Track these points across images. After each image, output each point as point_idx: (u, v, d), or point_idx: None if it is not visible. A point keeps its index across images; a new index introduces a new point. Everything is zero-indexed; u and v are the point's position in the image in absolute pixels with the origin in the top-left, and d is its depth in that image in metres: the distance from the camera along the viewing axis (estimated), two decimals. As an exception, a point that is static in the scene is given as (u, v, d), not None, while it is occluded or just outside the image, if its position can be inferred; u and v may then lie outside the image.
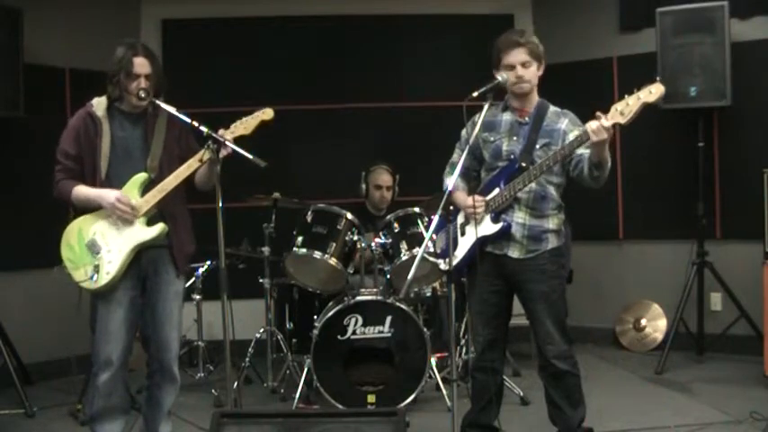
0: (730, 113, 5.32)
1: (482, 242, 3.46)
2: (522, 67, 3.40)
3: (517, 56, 3.40)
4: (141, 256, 3.41)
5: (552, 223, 3.48)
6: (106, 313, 3.38)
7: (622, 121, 3.12)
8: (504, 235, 3.43)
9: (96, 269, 3.33)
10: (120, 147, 3.41)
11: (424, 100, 6.11)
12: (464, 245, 3.53)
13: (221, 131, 3.34)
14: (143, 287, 3.47)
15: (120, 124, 3.42)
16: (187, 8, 6.08)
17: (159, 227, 3.38)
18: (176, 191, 3.42)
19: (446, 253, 3.45)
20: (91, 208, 3.41)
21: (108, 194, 3.34)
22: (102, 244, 3.36)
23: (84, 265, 3.35)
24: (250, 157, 3.34)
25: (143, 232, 3.37)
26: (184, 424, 4.27)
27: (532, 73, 3.44)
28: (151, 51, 3.44)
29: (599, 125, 3.13)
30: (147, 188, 3.39)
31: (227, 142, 3.27)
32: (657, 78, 3.13)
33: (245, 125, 3.41)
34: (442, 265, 3.55)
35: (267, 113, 3.42)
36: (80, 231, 3.40)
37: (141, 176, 3.40)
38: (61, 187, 3.42)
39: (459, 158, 3.37)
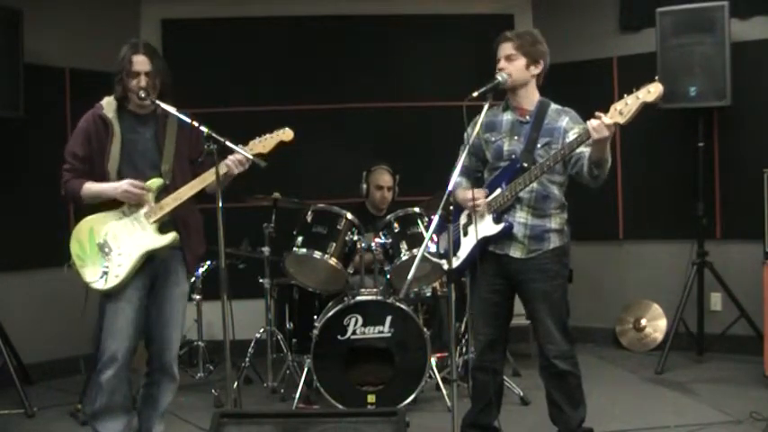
0: (730, 113, 5.31)
1: (485, 242, 3.46)
2: (504, 60, 3.42)
3: (503, 50, 3.45)
4: (155, 257, 3.42)
5: (554, 223, 3.47)
6: (115, 311, 3.38)
7: (621, 121, 3.12)
8: (507, 235, 3.43)
9: (106, 270, 3.33)
10: (130, 149, 3.40)
11: (424, 100, 6.11)
12: (467, 245, 3.53)
13: (240, 146, 3.34)
14: (151, 286, 3.47)
15: (130, 126, 3.42)
16: (187, 8, 6.07)
17: (171, 236, 3.38)
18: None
19: (448, 253, 3.44)
20: (99, 205, 3.40)
21: (119, 183, 3.34)
22: (114, 246, 3.36)
23: (94, 265, 3.35)
24: (250, 156, 3.36)
25: (155, 239, 3.37)
26: (184, 424, 4.27)
27: (516, 67, 3.42)
28: (153, 49, 3.43)
29: (600, 122, 3.12)
30: (160, 193, 3.40)
31: (227, 142, 3.26)
32: (656, 78, 3.12)
33: (263, 143, 3.43)
34: (446, 266, 3.53)
35: (287, 134, 3.45)
36: (91, 230, 3.39)
37: (157, 181, 3.40)
38: (70, 186, 3.40)
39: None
